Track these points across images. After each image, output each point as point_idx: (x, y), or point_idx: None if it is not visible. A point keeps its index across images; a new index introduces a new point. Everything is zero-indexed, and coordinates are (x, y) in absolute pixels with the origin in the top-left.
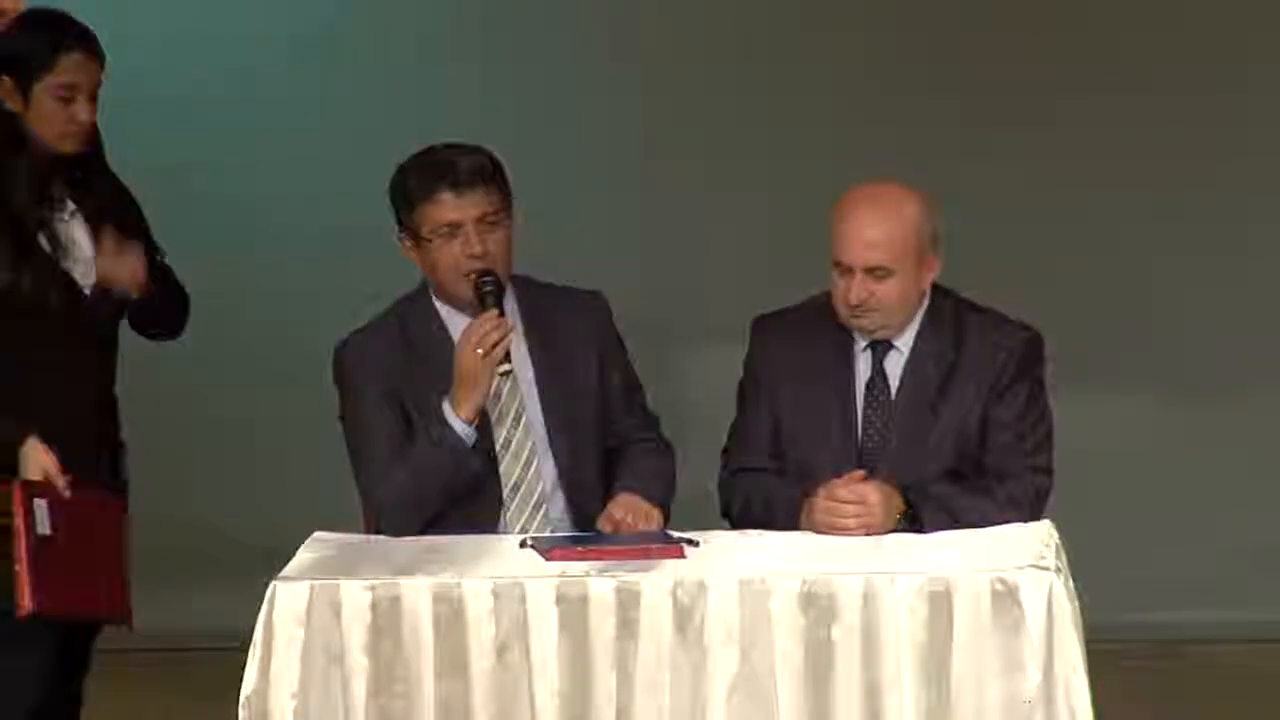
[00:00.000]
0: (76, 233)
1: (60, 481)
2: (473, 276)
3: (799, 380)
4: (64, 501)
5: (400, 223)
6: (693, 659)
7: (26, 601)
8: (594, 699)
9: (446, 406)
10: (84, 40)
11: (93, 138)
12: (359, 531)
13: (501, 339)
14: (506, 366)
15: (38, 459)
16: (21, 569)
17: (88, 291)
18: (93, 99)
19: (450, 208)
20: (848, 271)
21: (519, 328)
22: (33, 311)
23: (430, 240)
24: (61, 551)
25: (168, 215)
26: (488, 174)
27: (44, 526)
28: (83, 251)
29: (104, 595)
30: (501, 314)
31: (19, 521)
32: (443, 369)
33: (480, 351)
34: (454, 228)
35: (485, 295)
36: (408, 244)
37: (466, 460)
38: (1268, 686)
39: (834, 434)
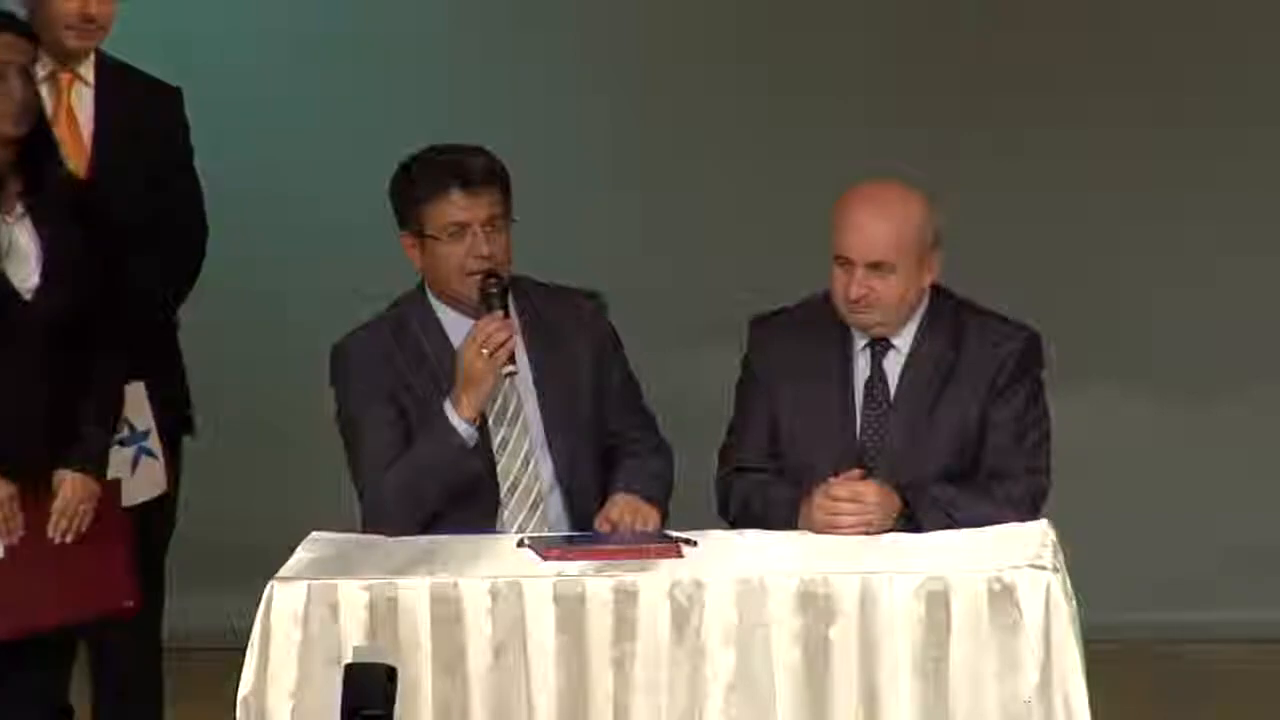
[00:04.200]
0: (20, 235)
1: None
2: (478, 277)
3: (798, 380)
4: (30, 514)
5: (402, 220)
6: (690, 659)
7: None
8: (591, 699)
9: (448, 406)
10: (8, 20)
11: (37, 121)
12: (357, 531)
13: (506, 340)
14: (511, 368)
15: None
16: None
17: (28, 295)
18: (29, 77)
19: (460, 208)
20: (848, 266)
21: (517, 327)
22: None
23: (437, 239)
24: (21, 567)
25: None
26: (496, 176)
27: None
28: (25, 254)
29: (90, 594)
30: (506, 315)
31: None
32: (440, 369)
33: (486, 352)
34: (462, 228)
35: (490, 296)
36: (409, 242)
37: (466, 460)
38: (1268, 686)
39: (833, 433)
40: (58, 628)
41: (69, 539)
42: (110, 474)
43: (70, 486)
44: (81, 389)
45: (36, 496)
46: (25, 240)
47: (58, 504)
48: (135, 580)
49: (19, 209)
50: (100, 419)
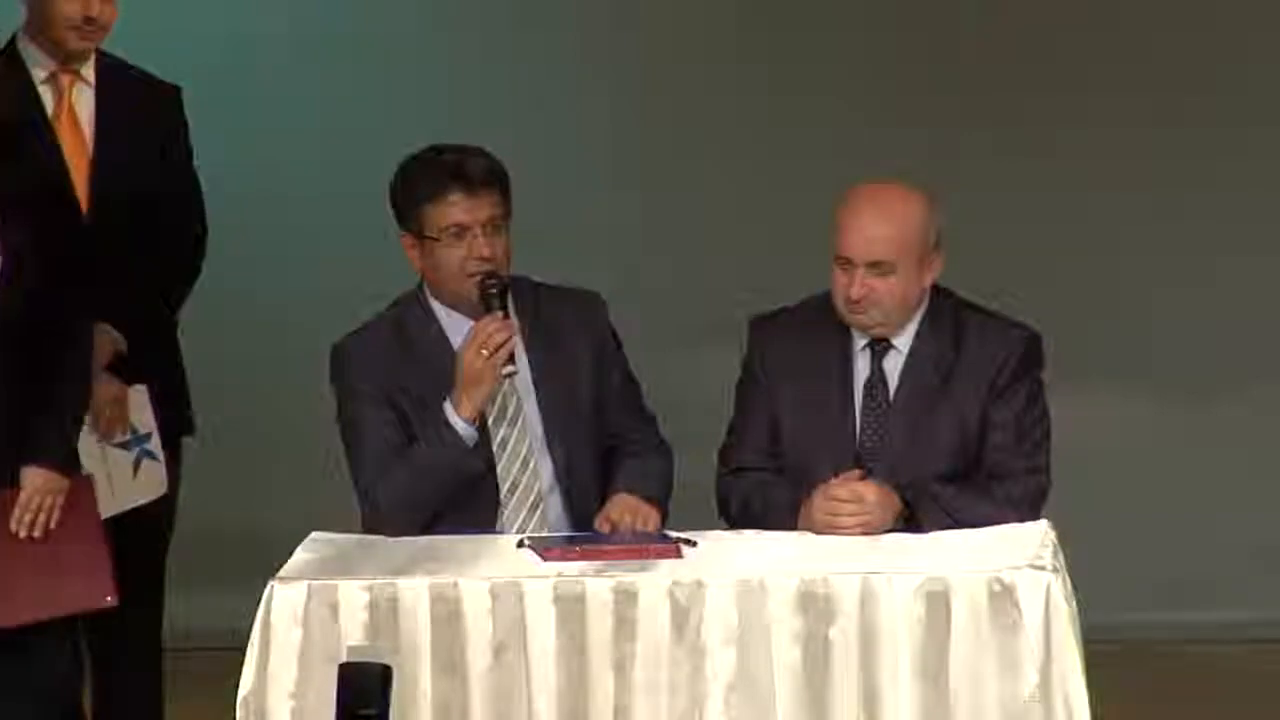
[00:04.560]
0: None
1: None
2: (478, 278)
3: (798, 380)
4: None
5: (402, 221)
6: (690, 659)
7: None
8: (592, 699)
9: (448, 406)
10: None
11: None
12: (357, 532)
13: (506, 340)
14: (511, 368)
15: None
16: None
17: None
18: None
19: (461, 209)
20: (849, 266)
21: (516, 328)
22: None
23: (437, 240)
24: None
25: None
26: (497, 177)
27: None
28: None
29: (66, 590)
30: (506, 316)
31: None
32: (440, 369)
33: (485, 352)
34: (462, 229)
35: (490, 297)
36: (409, 242)
37: (467, 460)
38: (1268, 686)
39: (832, 434)
40: (34, 624)
41: (36, 533)
42: (113, 476)
43: (32, 480)
44: (43, 387)
45: (6, 496)
46: None
47: (21, 498)
48: (113, 575)
49: None
50: (62, 414)
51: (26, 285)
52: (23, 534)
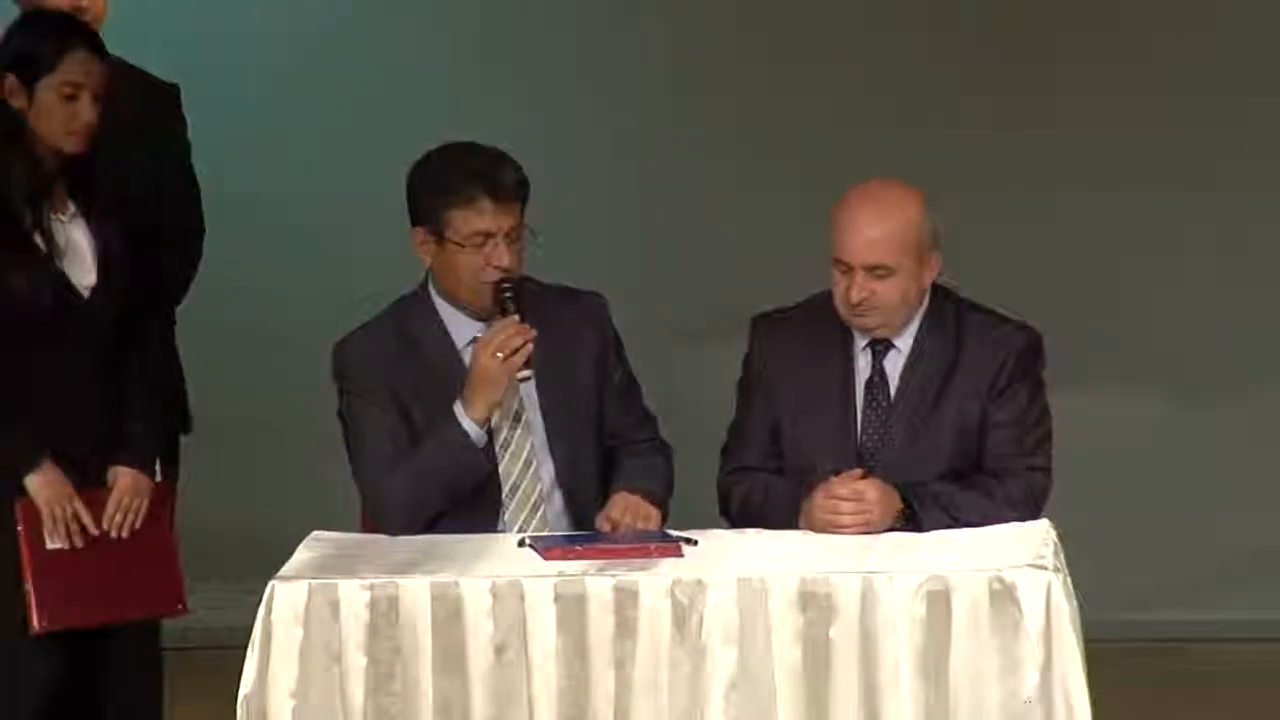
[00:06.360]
0: (75, 233)
1: (76, 526)
2: (493, 283)
3: (798, 379)
4: (90, 512)
5: (419, 216)
6: (691, 658)
7: (34, 620)
8: (592, 698)
9: (458, 407)
10: (89, 40)
11: (95, 139)
12: (358, 531)
13: (523, 345)
14: (526, 373)
15: (54, 489)
16: (28, 587)
17: (86, 293)
18: (96, 99)
19: (488, 217)
20: (848, 270)
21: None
22: (27, 312)
23: (460, 246)
24: (81, 562)
25: None
26: (523, 188)
27: (53, 541)
28: (82, 253)
29: (144, 593)
30: (522, 320)
31: (23, 540)
32: (442, 368)
33: (500, 356)
34: (486, 236)
35: (506, 301)
36: (422, 239)
37: (474, 461)
38: (1268, 686)
39: (833, 433)
40: (109, 624)
41: (124, 534)
42: None
43: (125, 481)
44: (129, 386)
45: (95, 495)
46: (80, 238)
47: (114, 497)
48: (183, 580)
49: (71, 208)
50: (148, 416)
51: (116, 287)
52: (114, 534)
